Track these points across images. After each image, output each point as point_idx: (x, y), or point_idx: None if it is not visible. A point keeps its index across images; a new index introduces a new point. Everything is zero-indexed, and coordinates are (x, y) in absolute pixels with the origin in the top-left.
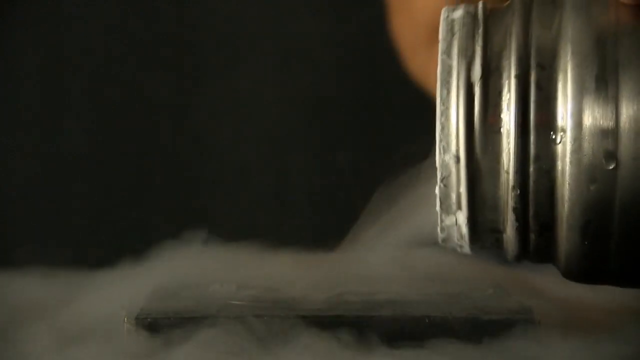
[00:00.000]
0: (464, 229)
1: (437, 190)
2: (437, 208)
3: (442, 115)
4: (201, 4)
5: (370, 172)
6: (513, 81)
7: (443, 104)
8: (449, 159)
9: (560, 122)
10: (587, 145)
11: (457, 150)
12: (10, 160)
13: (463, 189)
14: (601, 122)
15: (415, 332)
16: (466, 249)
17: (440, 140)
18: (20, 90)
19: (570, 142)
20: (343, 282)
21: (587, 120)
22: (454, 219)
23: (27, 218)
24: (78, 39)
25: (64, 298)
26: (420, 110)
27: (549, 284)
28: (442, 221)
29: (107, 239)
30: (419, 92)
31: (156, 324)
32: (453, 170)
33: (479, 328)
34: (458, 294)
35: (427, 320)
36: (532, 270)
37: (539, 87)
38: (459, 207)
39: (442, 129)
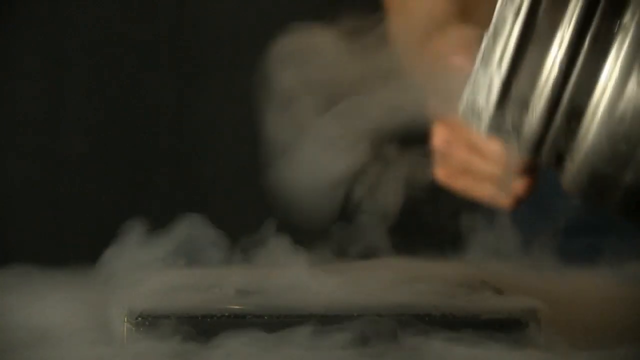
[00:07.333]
0: (495, 90)
1: (483, 42)
2: (477, 62)
3: None
4: (201, 4)
5: (370, 170)
6: None
7: None
8: (510, 10)
9: (630, 12)
10: None
11: (521, 4)
12: (10, 160)
13: (511, 45)
14: None
15: (416, 332)
16: (485, 120)
17: None
18: (21, 91)
19: (633, 33)
20: (342, 282)
21: None
22: (489, 78)
23: (27, 217)
24: (78, 40)
25: (64, 298)
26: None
27: (549, 285)
28: (476, 77)
29: (107, 239)
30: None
31: (156, 324)
32: (509, 22)
33: (479, 328)
34: (458, 294)
35: (427, 320)
36: (532, 270)
37: None
38: (500, 65)
39: None
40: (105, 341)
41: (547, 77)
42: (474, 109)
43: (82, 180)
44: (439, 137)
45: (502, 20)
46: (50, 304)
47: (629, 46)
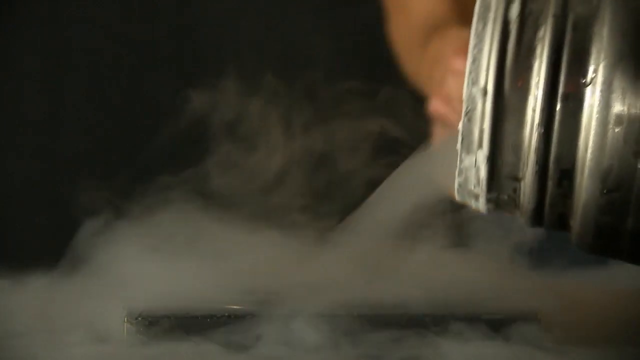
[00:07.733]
0: (483, 171)
1: (460, 126)
2: (458, 146)
3: (475, 47)
4: (201, 4)
5: (369, 169)
6: (550, 20)
7: (477, 37)
8: (477, 91)
9: (593, 63)
10: (617, 84)
11: (486, 83)
12: (10, 160)
13: (487, 125)
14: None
15: (416, 331)
16: (482, 200)
17: (470, 73)
18: (21, 91)
19: (601, 82)
20: (341, 282)
21: (622, 64)
22: (474, 159)
23: (27, 217)
24: (78, 40)
25: (64, 297)
26: (414, 108)
27: (549, 285)
28: (461, 161)
29: (107, 239)
30: (413, 91)
31: (156, 324)
32: (479, 103)
33: (479, 328)
34: (458, 294)
35: (427, 320)
36: (532, 270)
37: (575, 28)
38: (480, 145)
39: (474, 61)
40: (105, 341)
41: (529, 145)
42: (468, 191)
43: (82, 179)
44: (440, 138)
45: (472, 101)
46: (50, 304)
47: (599, 98)
